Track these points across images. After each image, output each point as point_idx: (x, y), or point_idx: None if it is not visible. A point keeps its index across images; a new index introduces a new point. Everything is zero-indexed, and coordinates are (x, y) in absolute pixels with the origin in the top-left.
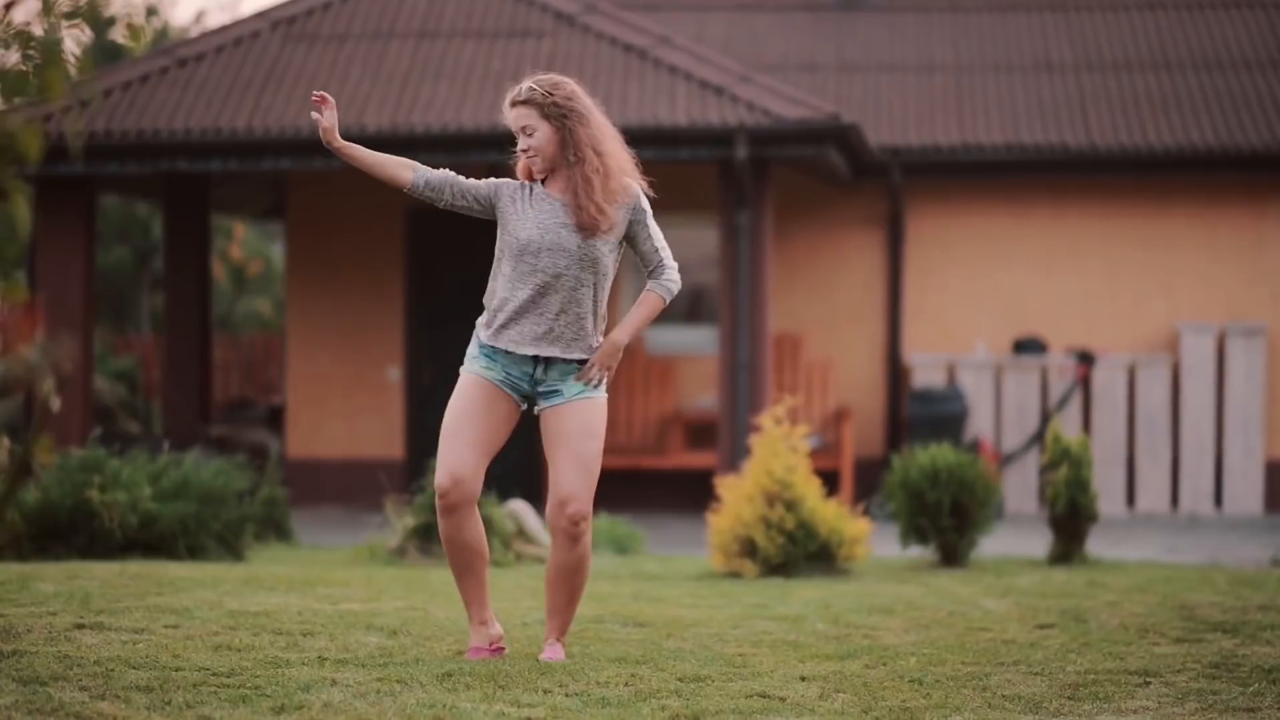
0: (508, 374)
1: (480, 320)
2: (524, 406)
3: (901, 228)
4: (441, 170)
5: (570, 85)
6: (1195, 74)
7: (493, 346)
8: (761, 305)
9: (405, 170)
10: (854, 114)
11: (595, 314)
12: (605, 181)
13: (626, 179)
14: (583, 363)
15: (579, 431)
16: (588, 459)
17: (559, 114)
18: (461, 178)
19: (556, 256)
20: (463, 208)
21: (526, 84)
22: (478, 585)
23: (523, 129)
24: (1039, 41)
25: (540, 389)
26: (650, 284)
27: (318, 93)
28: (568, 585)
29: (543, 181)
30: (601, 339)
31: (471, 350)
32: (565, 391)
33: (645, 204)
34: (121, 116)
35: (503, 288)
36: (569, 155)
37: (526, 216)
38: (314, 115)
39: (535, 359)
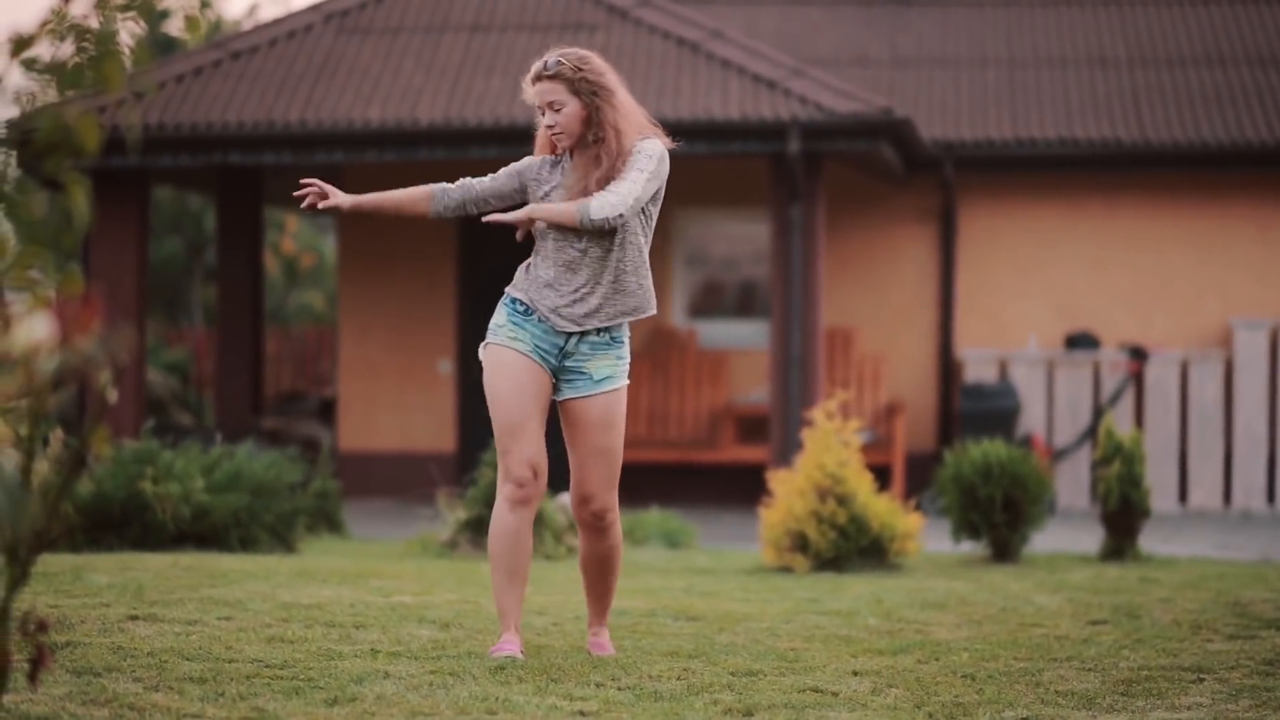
0: (536, 345)
1: (512, 285)
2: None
3: (954, 222)
4: (459, 183)
5: (597, 60)
6: (1249, 69)
7: (523, 311)
8: (814, 299)
9: (423, 202)
10: (906, 108)
11: (633, 273)
12: (613, 162)
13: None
14: (613, 338)
15: (601, 424)
16: (611, 453)
17: (589, 90)
18: (478, 183)
19: (572, 235)
20: (496, 210)
21: (553, 57)
22: (519, 593)
23: (550, 104)
24: (1092, 36)
25: (567, 363)
26: (586, 199)
27: (305, 182)
28: (601, 572)
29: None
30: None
31: (498, 319)
32: (592, 375)
33: (651, 150)
34: (175, 109)
35: (538, 262)
36: (592, 133)
37: (551, 196)
38: (321, 205)
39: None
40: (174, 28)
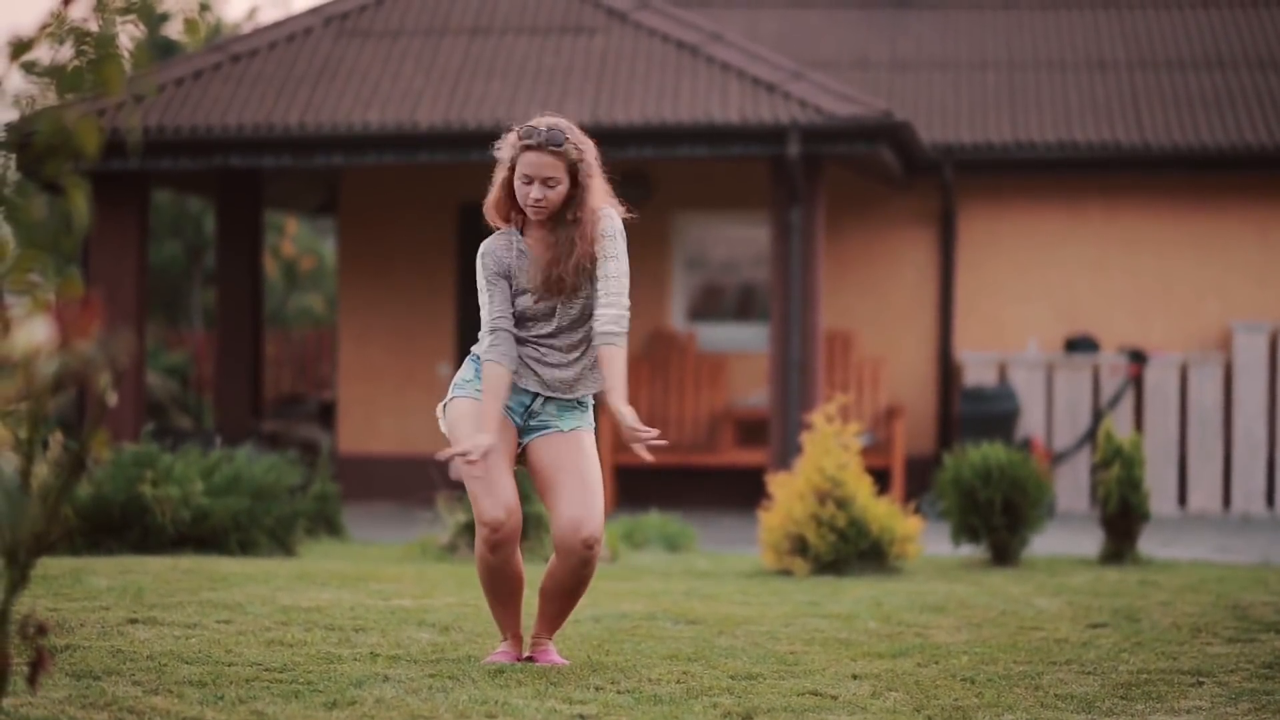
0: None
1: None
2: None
3: (953, 225)
4: (502, 339)
5: (585, 138)
6: (1249, 72)
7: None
8: (813, 303)
9: (509, 378)
10: (906, 111)
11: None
12: (588, 247)
13: (603, 210)
14: (579, 402)
15: (580, 454)
16: (593, 480)
17: (582, 174)
18: (507, 322)
19: (545, 317)
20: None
21: (557, 133)
22: (518, 608)
23: (546, 180)
24: (1092, 39)
25: (532, 422)
26: (600, 336)
27: (465, 458)
28: (568, 598)
29: (520, 229)
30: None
31: (465, 374)
32: (560, 427)
33: (614, 230)
34: (175, 112)
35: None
36: (571, 213)
37: (520, 280)
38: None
39: (535, 393)
40: (174, 31)
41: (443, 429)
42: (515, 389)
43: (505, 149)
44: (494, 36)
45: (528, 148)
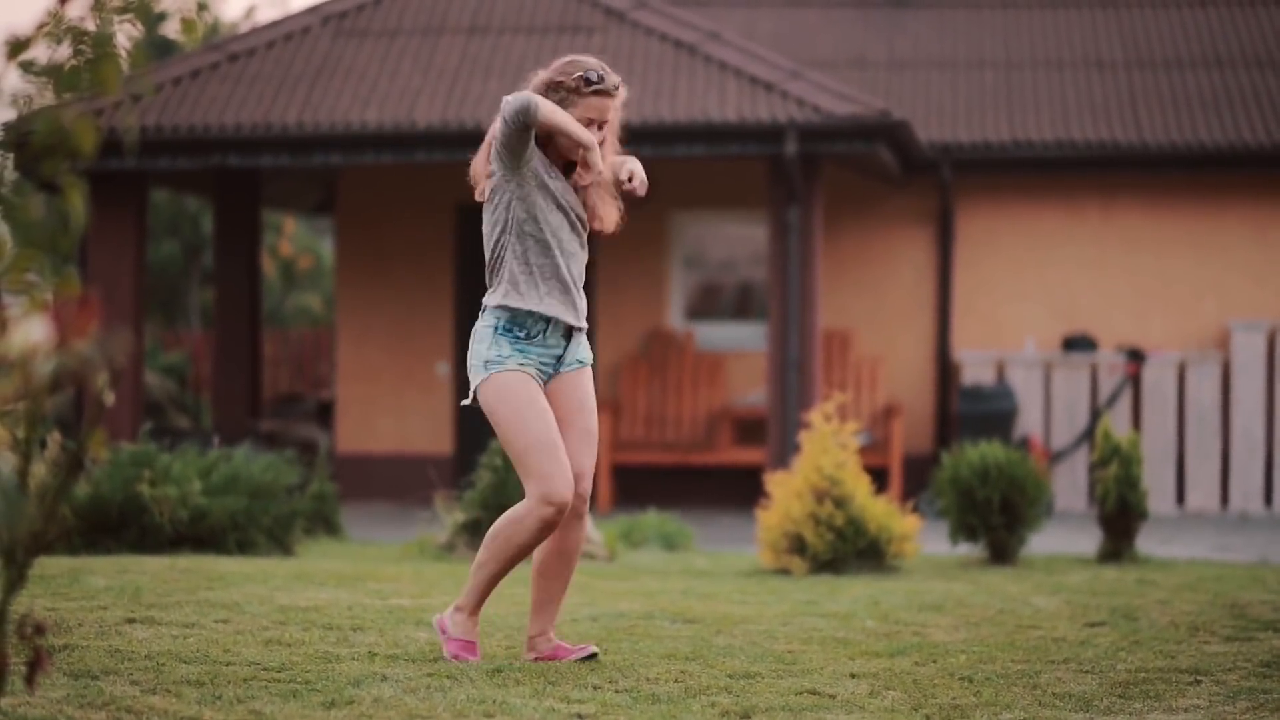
0: (540, 367)
1: (498, 301)
2: None
3: (951, 225)
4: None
5: None
6: (1247, 71)
7: (524, 335)
8: (811, 302)
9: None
10: (904, 110)
11: None
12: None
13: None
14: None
15: (584, 403)
16: (593, 433)
17: (614, 116)
18: None
19: (575, 235)
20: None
21: (614, 76)
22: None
23: (603, 123)
24: (1089, 38)
25: (561, 368)
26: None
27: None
28: (565, 569)
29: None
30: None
31: (500, 351)
32: (583, 357)
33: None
34: (173, 112)
35: (530, 258)
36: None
37: (554, 191)
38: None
39: (568, 333)
40: (171, 30)
41: (483, 404)
42: (545, 342)
43: (554, 89)
44: (491, 36)
45: (598, 91)
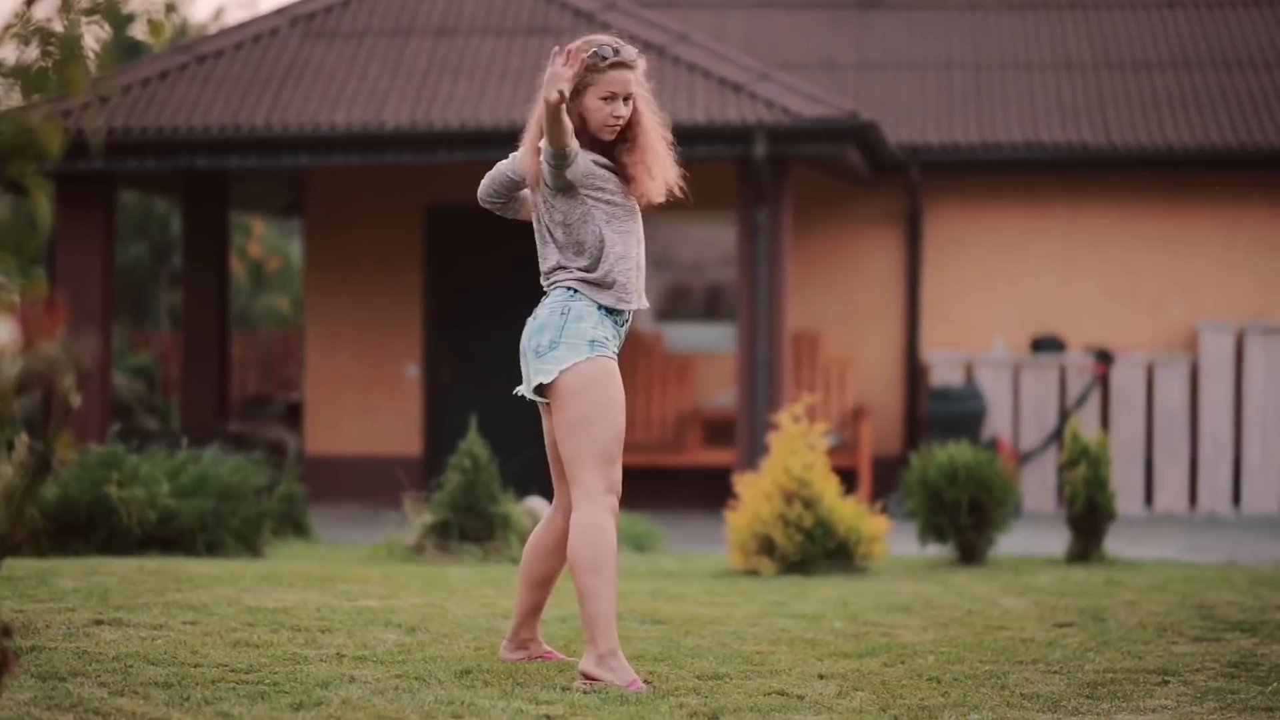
0: (616, 349)
1: (589, 279)
2: None
3: (920, 226)
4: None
5: None
6: (1215, 72)
7: (620, 322)
8: (780, 303)
9: None
10: (873, 112)
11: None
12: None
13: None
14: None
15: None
16: None
17: (639, 89)
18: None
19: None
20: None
21: (630, 48)
22: None
23: (627, 96)
24: (1058, 39)
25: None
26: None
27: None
28: (557, 576)
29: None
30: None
31: (602, 331)
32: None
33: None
34: (141, 113)
35: (613, 240)
36: (627, 132)
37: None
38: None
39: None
40: (139, 31)
41: (577, 382)
42: (618, 324)
43: (569, 71)
44: (460, 37)
45: (615, 65)
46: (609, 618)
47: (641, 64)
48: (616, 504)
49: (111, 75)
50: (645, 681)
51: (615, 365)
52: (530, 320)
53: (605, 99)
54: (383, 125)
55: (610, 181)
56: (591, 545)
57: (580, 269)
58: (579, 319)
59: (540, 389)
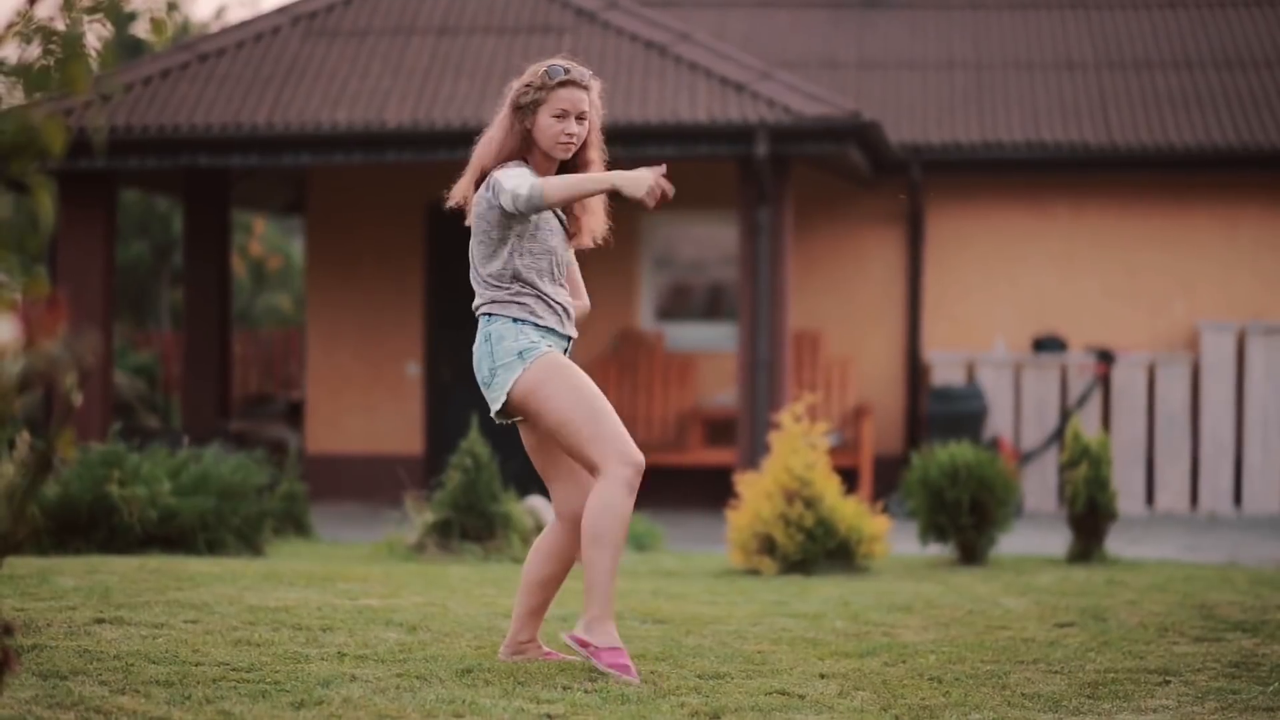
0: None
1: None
2: None
3: (921, 225)
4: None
5: None
6: (1216, 72)
7: (544, 326)
8: (781, 302)
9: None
10: (874, 111)
11: None
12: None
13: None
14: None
15: None
16: None
17: (593, 111)
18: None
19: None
20: None
21: (583, 69)
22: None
23: (579, 115)
24: (1060, 39)
25: None
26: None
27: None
28: (563, 577)
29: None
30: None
31: (531, 338)
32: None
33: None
34: (142, 111)
35: (527, 268)
36: (580, 155)
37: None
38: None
39: (569, 341)
40: (141, 30)
41: (525, 394)
42: (543, 332)
43: (524, 94)
44: (462, 36)
45: (564, 84)
46: (604, 588)
47: (596, 86)
48: (634, 475)
49: (113, 74)
50: (634, 668)
51: (555, 356)
52: (473, 355)
53: (557, 116)
54: (384, 124)
55: (546, 215)
56: (596, 517)
57: (490, 294)
58: (500, 339)
59: (508, 413)
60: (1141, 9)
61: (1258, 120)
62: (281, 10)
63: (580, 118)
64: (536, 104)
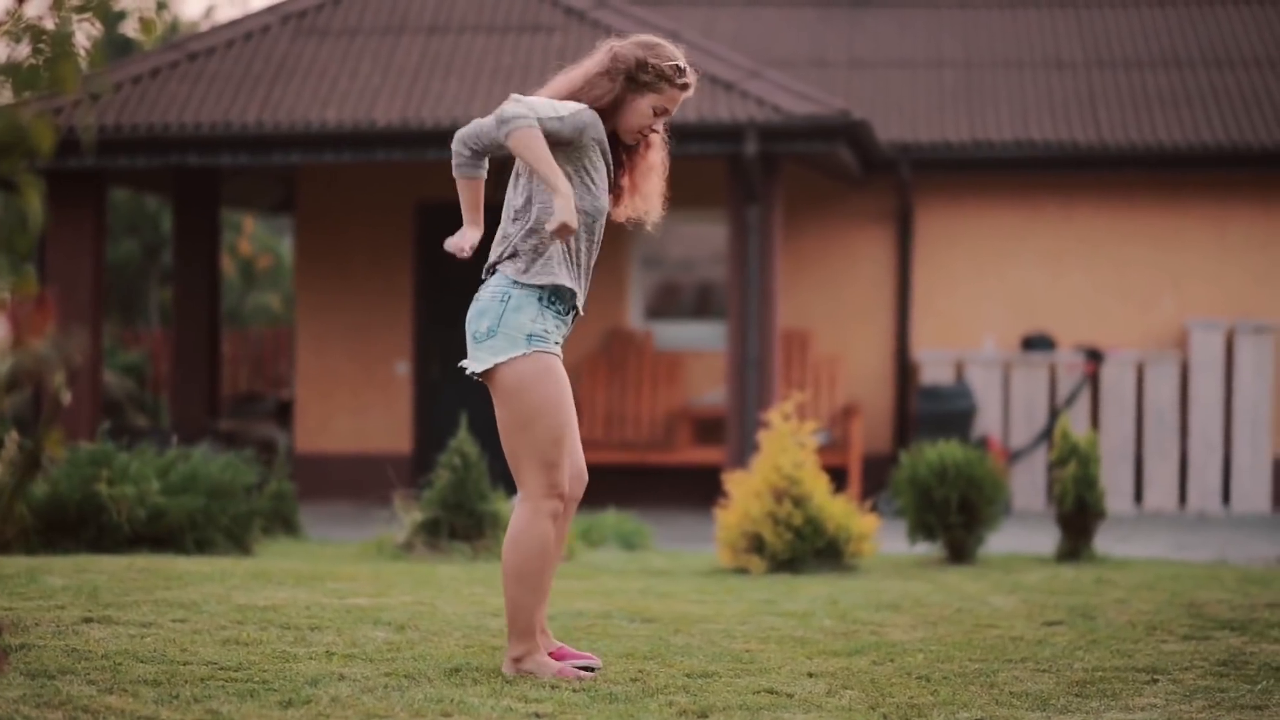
0: (560, 344)
1: (543, 280)
2: None
3: (911, 224)
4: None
5: None
6: (1206, 71)
7: (564, 311)
8: (770, 301)
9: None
10: (864, 110)
11: None
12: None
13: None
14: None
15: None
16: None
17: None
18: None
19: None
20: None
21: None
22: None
23: (669, 113)
24: (1049, 38)
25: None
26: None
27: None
28: (555, 565)
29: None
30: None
31: (544, 324)
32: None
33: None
34: (132, 110)
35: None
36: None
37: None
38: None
39: (575, 314)
40: (130, 29)
41: (512, 379)
42: (561, 314)
43: (646, 70)
44: (451, 35)
45: (684, 85)
46: (526, 624)
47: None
48: (558, 506)
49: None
50: (587, 669)
51: (556, 361)
52: (474, 300)
53: (656, 110)
54: (374, 123)
55: (600, 171)
56: (518, 550)
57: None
58: (518, 309)
59: (480, 374)
60: (1130, 8)
61: (1246, 119)
62: (271, 9)
63: (668, 115)
64: (648, 87)
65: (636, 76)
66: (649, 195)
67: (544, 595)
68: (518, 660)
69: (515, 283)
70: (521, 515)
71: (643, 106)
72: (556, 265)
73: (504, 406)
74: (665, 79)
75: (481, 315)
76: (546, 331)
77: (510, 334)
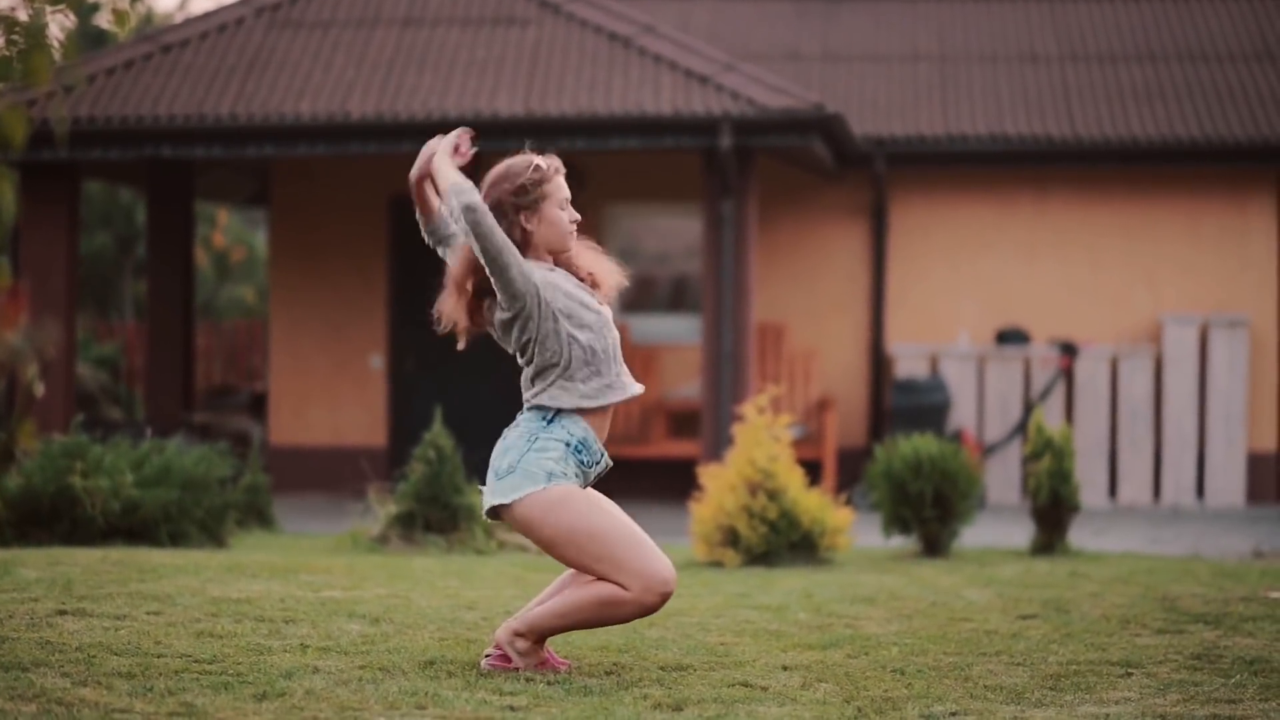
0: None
1: (563, 394)
2: None
3: (885, 218)
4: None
5: None
6: (1180, 65)
7: (589, 461)
8: (745, 295)
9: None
10: (838, 104)
11: None
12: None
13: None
14: None
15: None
16: None
17: None
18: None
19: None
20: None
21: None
22: None
23: (571, 202)
24: (1024, 32)
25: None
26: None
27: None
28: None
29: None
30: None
31: (562, 467)
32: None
33: None
34: (105, 102)
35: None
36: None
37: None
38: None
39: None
40: (104, 20)
41: (532, 514)
42: (585, 465)
43: (522, 191)
44: (426, 28)
45: (559, 170)
46: (548, 631)
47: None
48: (656, 602)
49: (76, 64)
50: (565, 661)
51: (571, 487)
52: (502, 437)
53: (562, 205)
54: (348, 115)
55: (582, 292)
56: (594, 606)
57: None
58: (543, 450)
59: (494, 512)
60: (1105, 2)
61: (1220, 114)
62: (245, 1)
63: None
64: (537, 200)
65: (522, 202)
66: (607, 276)
67: (563, 626)
68: (516, 634)
69: (548, 422)
70: (619, 592)
71: (552, 214)
72: (581, 393)
73: (536, 535)
74: (542, 182)
75: (505, 453)
76: (566, 474)
77: (530, 470)
